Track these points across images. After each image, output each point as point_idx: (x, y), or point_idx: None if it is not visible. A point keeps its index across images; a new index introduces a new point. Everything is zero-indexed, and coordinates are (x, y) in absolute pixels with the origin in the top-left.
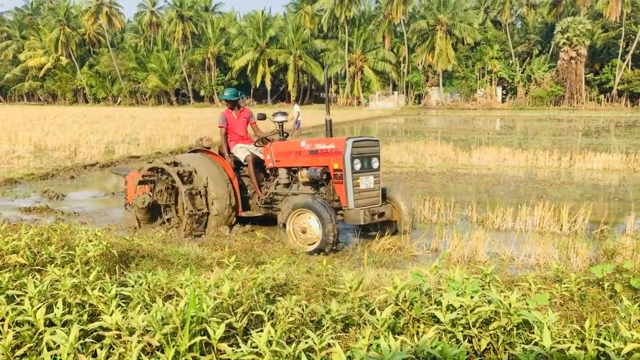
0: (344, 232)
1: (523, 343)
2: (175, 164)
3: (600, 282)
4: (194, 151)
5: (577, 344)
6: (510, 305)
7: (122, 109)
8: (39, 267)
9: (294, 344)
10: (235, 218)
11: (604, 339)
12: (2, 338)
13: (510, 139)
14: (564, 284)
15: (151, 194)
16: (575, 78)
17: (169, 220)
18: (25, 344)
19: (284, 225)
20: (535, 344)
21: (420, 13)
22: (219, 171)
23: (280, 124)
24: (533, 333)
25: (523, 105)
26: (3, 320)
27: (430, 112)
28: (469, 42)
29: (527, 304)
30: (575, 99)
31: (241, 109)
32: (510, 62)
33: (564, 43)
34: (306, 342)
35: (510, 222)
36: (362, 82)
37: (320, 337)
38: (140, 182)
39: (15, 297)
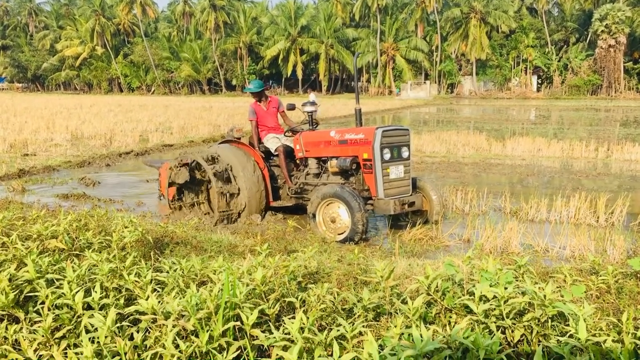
0: (375, 221)
1: (558, 335)
2: (212, 159)
3: (638, 275)
4: (225, 142)
5: (614, 337)
6: (545, 296)
7: (156, 98)
8: (77, 252)
9: (325, 332)
10: (265, 208)
11: None
12: (42, 320)
13: (545, 129)
14: (600, 276)
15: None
16: (613, 67)
17: (199, 204)
18: (64, 327)
19: (314, 215)
20: (571, 336)
21: (454, 1)
22: (253, 169)
23: (309, 113)
24: (568, 325)
25: (559, 95)
26: (43, 303)
27: (463, 102)
28: (503, 30)
29: (562, 296)
30: (614, 88)
31: (269, 99)
32: (546, 50)
33: (602, 31)
34: (338, 330)
35: (544, 213)
36: (393, 71)
37: (352, 325)
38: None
39: (55, 280)
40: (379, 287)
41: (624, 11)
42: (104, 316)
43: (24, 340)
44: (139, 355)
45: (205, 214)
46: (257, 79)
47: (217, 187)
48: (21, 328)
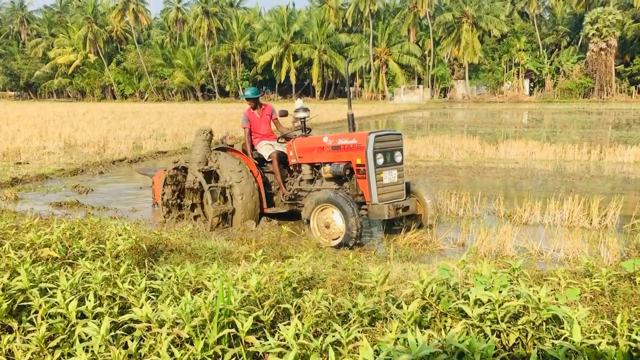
0: (369, 226)
1: (552, 338)
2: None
3: (632, 277)
4: (218, 149)
5: (608, 340)
6: (539, 300)
7: (149, 105)
8: (71, 261)
9: (321, 337)
10: (259, 215)
11: (636, 334)
12: (36, 330)
13: (538, 132)
14: (594, 278)
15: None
16: (605, 70)
17: (195, 218)
18: (58, 336)
19: (308, 221)
20: (565, 339)
21: (446, 5)
22: (244, 170)
23: (302, 120)
24: (563, 328)
25: (551, 98)
26: (37, 312)
27: (456, 106)
28: (495, 35)
29: (556, 299)
30: (605, 91)
31: (263, 106)
32: (538, 54)
33: (593, 34)
34: (333, 336)
35: (538, 217)
36: (387, 76)
37: (347, 331)
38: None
39: (48, 289)
40: (374, 292)
41: (614, 14)
42: (98, 325)
43: (18, 350)
44: None
45: (203, 222)
46: (250, 85)
47: (206, 188)
48: (15, 338)
